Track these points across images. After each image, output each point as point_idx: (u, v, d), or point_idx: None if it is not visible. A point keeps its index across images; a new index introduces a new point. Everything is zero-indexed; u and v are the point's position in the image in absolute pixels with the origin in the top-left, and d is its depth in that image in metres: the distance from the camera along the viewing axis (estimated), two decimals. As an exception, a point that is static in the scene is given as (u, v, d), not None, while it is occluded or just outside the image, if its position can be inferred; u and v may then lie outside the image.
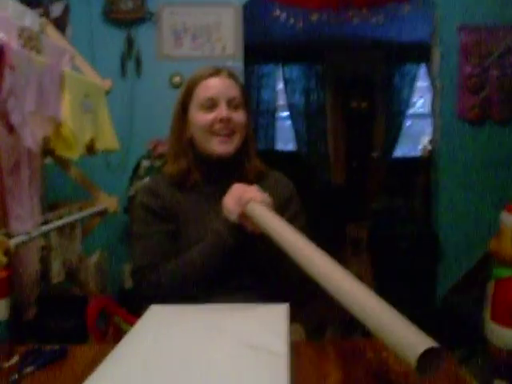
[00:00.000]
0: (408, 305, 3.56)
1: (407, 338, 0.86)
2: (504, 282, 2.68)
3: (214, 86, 1.50)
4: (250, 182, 1.45)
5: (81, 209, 2.66)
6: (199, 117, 1.50)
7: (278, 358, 0.95)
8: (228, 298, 1.36)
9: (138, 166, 3.35)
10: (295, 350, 1.16)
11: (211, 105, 1.48)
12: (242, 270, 1.47)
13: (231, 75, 1.55)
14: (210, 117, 1.48)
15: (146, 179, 3.26)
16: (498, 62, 3.57)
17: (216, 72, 1.53)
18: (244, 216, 1.33)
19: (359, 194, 6.42)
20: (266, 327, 1.09)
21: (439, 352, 0.83)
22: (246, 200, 1.31)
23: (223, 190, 1.42)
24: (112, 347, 1.03)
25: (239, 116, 1.51)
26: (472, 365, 3.01)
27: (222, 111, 1.47)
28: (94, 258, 3.14)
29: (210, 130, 1.48)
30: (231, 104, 1.50)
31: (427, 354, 0.80)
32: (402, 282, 3.70)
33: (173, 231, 1.49)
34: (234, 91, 1.52)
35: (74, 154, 2.24)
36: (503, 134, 3.68)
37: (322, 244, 1.48)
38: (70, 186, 3.06)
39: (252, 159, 1.58)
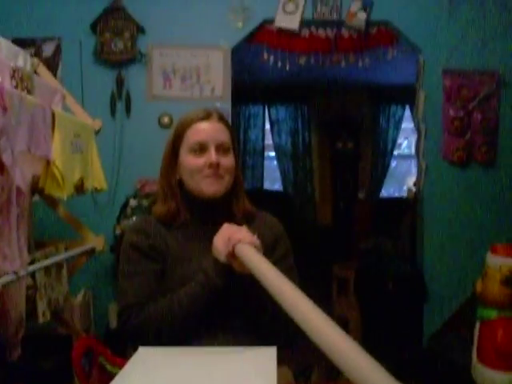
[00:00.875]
0: (395, 345, 3.57)
1: None
2: (489, 323, 2.68)
3: (204, 130, 1.52)
4: (238, 222, 1.46)
5: (67, 248, 2.64)
6: (189, 160, 1.51)
7: (267, 401, 0.95)
8: (216, 339, 1.36)
9: (125, 205, 3.36)
10: (283, 392, 1.16)
11: (201, 149, 1.50)
12: (231, 311, 1.46)
13: (221, 119, 1.57)
14: (199, 161, 1.49)
15: (134, 218, 3.27)
16: (481, 105, 3.65)
17: (206, 116, 1.55)
18: (232, 256, 1.33)
19: (345, 234, 6.44)
20: (254, 371, 1.09)
21: None
22: (235, 241, 1.31)
23: (211, 231, 1.43)
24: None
25: (228, 160, 1.53)
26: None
27: (212, 156, 1.49)
28: (80, 298, 3.12)
29: (200, 174, 1.50)
30: (220, 148, 1.51)
31: None
32: (388, 323, 3.69)
33: (161, 271, 1.49)
34: (223, 136, 1.54)
35: (63, 193, 2.25)
36: (487, 175, 3.74)
37: (309, 284, 1.49)
38: (57, 225, 3.06)
39: (240, 200, 1.59)
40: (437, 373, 3.19)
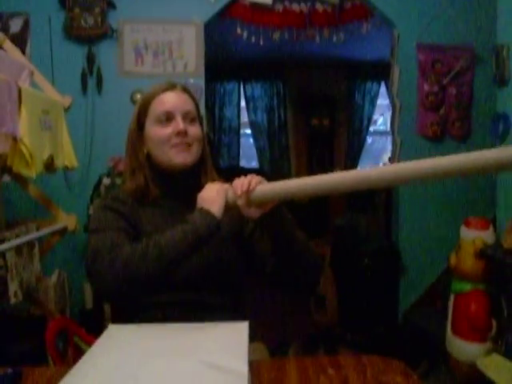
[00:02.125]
0: (371, 319, 3.61)
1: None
2: (462, 296, 2.72)
3: (170, 100, 1.51)
4: None
5: (39, 227, 2.60)
6: (156, 131, 1.49)
7: (238, 377, 0.94)
8: (191, 316, 1.34)
9: (98, 183, 3.31)
10: (256, 368, 1.16)
11: (167, 119, 1.49)
12: (206, 288, 1.46)
13: (185, 90, 1.56)
14: (166, 130, 1.48)
15: (107, 197, 3.22)
16: (455, 80, 3.65)
17: (170, 87, 1.54)
18: (245, 206, 1.34)
19: (322, 210, 6.45)
20: (225, 346, 1.07)
21: None
22: (252, 186, 1.34)
23: (182, 205, 1.43)
24: (70, 368, 1.01)
25: (195, 129, 1.52)
26: (434, 378, 3.04)
27: (179, 124, 1.47)
28: (54, 278, 3.08)
29: (168, 143, 1.48)
30: (187, 117, 1.50)
31: None
32: (364, 298, 3.72)
33: (134, 234, 1.43)
34: (188, 105, 1.53)
35: (32, 171, 2.20)
36: (461, 150, 3.71)
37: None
38: (29, 205, 3.01)
39: (209, 173, 1.58)
40: (412, 345, 3.23)
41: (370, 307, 3.69)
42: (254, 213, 1.35)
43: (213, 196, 1.35)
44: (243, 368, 0.96)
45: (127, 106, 3.47)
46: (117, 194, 1.55)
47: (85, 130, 3.48)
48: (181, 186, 1.53)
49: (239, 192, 1.33)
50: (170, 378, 0.96)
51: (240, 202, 1.34)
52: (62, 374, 0.99)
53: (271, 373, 1.16)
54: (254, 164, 7.36)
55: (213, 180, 1.54)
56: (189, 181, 1.53)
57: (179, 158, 1.48)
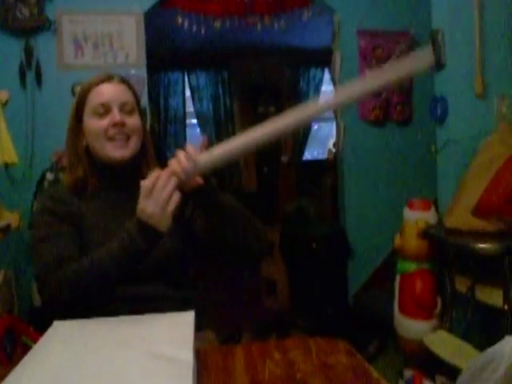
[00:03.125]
0: (322, 304, 3.66)
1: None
2: (408, 276, 2.79)
3: (106, 91, 1.49)
4: None
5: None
6: (93, 123, 1.48)
7: (183, 366, 0.94)
8: (140, 309, 1.34)
9: (42, 179, 3.24)
10: (203, 356, 1.17)
11: (104, 111, 1.47)
12: (155, 279, 1.47)
13: (123, 81, 1.55)
14: (103, 122, 1.46)
15: (51, 192, 3.17)
16: (395, 65, 3.72)
17: (107, 78, 1.52)
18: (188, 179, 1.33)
19: (271, 198, 6.50)
20: (170, 336, 1.08)
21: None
22: (168, 194, 1.28)
23: (123, 197, 1.44)
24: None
25: (133, 120, 1.50)
26: (384, 357, 3.12)
27: (115, 116, 1.46)
28: (0, 277, 3.02)
29: (105, 135, 1.46)
30: (124, 109, 1.49)
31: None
32: (315, 283, 3.78)
33: (77, 234, 1.44)
34: (126, 96, 1.51)
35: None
36: (403, 133, 3.84)
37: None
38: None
39: (150, 163, 1.56)
40: (362, 327, 3.30)
41: (321, 291, 3.76)
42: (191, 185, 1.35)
43: (158, 213, 1.26)
44: (188, 356, 0.97)
45: (68, 99, 3.39)
46: (55, 191, 1.54)
47: (25, 125, 3.38)
48: (121, 177, 1.52)
49: (178, 171, 1.31)
50: (114, 369, 0.96)
51: (183, 178, 1.31)
52: (7, 374, 0.97)
53: (218, 360, 1.17)
54: (202, 154, 7.33)
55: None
56: (129, 172, 1.52)
57: (116, 153, 1.47)
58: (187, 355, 0.97)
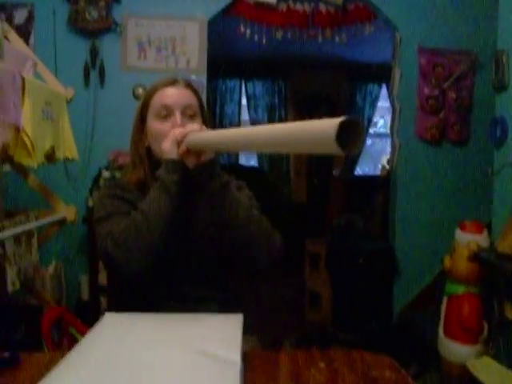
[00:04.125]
0: (365, 320, 3.63)
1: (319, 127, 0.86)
2: (456, 298, 2.75)
3: (170, 94, 1.51)
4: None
5: (38, 217, 2.62)
6: (155, 125, 1.50)
7: (231, 366, 0.96)
8: (186, 308, 1.36)
9: (98, 176, 3.33)
10: (248, 359, 1.18)
11: (166, 113, 1.49)
12: (203, 281, 1.48)
13: (188, 85, 1.56)
14: (165, 126, 1.48)
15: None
16: (455, 84, 3.68)
17: (172, 82, 1.54)
18: (186, 152, 1.36)
19: (319, 210, 6.48)
20: (219, 336, 1.10)
21: (354, 124, 0.84)
22: (183, 134, 1.35)
23: (182, 200, 1.43)
24: (65, 355, 1.03)
25: (195, 125, 1.50)
26: (425, 379, 3.06)
27: (177, 119, 1.47)
28: (51, 269, 3.11)
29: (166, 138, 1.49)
30: (186, 113, 1.50)
31: (345, 130, 0.81)
32: (359, 298, 3.75)
33: None
34: (189, 100, 1.52)
35: (33, 161, 2.22)
36: (459, 154, 3.78)
37: (283, 258, 1.51)
38: (29, 195, 3.03)
39: None
40: (405, 346, 3.25)
41: (364, 307, 3.73)
42: (191, 161, 1.36)
43: (168, 146, 1.38)
44: (236, 357, 0.98)
45: (129, 100, 3.50)
46: (121, 182, 1.57)
47: (86, 123, 3.50)
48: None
49: (174, 139, 1.37)
50: (163, 366, 0.98)
51: (174, 149, 1.37)
52: (57, 361, 1.01)
53: (264, 364, 1.18)
54: (253, 162, 7.38)
55: None
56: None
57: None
58: (235, 356, 0.99)
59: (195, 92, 1.57)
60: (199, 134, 1.35)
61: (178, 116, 1.48)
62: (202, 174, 1.37)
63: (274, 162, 7.11)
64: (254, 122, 7.12)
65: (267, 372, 1.14)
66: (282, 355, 1.25)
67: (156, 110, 1.51)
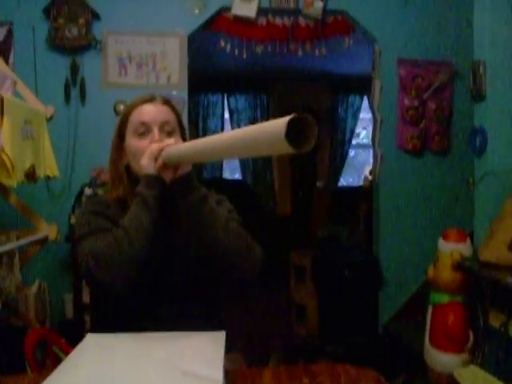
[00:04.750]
0: (351, 331, 3.63)
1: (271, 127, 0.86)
2: (440, 308, 2.76)
3: (148, 112, 1.51)
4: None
5: (19, 237, 2.60)
6: (133, 143, 1.50)
7: (212, 384, 0.95)
8: (167, 326, 1.35)
9: (80, 193, 3.31)
10: (232, 377, 1.17)
11: (145, 131, 1.49)
12: (187, 297, 1.48)
13: (166, 102, 1.56)
14: (143, 143, 1.47)
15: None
16: (435, 95, 3.71)
17: (150, 99, 1.54)
18: (163, 167, 1.36)
19: (304, 222, 6.49)
20: (201, 354, 1.09)
21: (304, 121, 0.84)
22: (159, 149, 1.36)
23: (162, 215, 1.43)
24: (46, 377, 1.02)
25: (171, 140, 1.49)
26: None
27: (155, 136, 1.47)
28: (34, 288, 3.07)
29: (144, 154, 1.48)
30: (164, 129, 1.50)
31: (297, 128, 0.82)
32: (345, 310, 3.75)
33: None
34: (167, 116, 1.52)
35: (13, 180, 2.20)
36: (440, 164, 3.80)
37: (268, 271, 1.50)
38: (10, 214, 3.00)
39: None
40: (391, 357, 3.26)
41: (350, 319, 3.72)
42: (168, 176, 1.37)
43: (146, 162, 1.39)
44: (218, 376, 0.98)
45: (110, 116, 3.48)
46: (102, 199, 1.57)
47: (68, 140, 3.48)
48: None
49: (151, 154, 1.38)
50: (145, 385, 0.98)
51: (151, 164, 1.37)
52: (38, 383, 1.00)
53: (246, 381, 1.18)
54: (237, 176, 7.39)
55: None
56: (168, 193, 1.53)
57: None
58: (217, 375, 0.98)
59: (173, 108, 1.57)
60: (174, 147, 1.35)
61: (156, 132, 1.48)
62: (179, 188, 1.38)
63: (259, 175, 7.11)
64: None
65: (250, 389, 1.14)
66: (265, 372, 1.24)
67: (134, 126, 1.51)
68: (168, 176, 1.37)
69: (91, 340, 1.22)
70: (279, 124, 0.80)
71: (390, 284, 3.83)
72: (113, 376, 1.02)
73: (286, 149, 0.81)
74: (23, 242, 2.63)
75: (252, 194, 6.70)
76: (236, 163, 7.27)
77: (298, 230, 6.22)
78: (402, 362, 3.22)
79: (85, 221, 1.46)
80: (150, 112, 1.51)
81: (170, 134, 1.51)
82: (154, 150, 1.37)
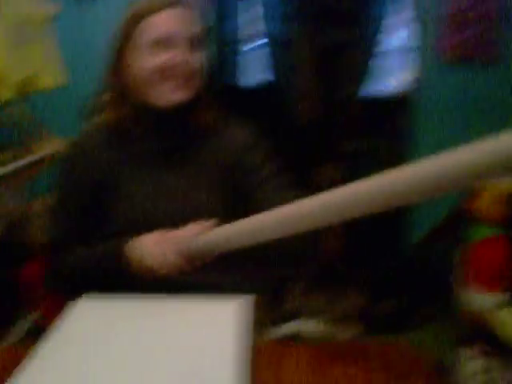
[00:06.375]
0: (376, 255, 3.48)
1: None
2: (484, 242, 2.51)
3: (171, 20, 1.21)
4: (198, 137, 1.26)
5: (25, 154, 2.41)
6: (147, 60, 1.21)
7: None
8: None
9: (89, 104, 3.06)
10: (254, 356, 0.94)
11: (165, 45, 1.20)
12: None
13: (190, 8, 1.26)
14: (162, 59, 1.19)
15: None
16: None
17: (170, 3, 1.22)
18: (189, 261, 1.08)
19: (329, 133, 6.26)
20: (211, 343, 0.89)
21: None
22: (186, 242, 1.06)
23: (165, 155, 1.24)
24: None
25: (198, 58, 1.24)
26: (436, 326, 2.87)
27: (181, 54, 1.20)
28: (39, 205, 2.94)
29: (162, 75, 1.20)
30: (192, 44, 1.22)
31: None
32: (370, 231, 3.59)
33: (100, 201, 1.26)
34: (195, 27, 1.24)
35: (5, 93, 1.97)
36: (487, 74, 3.45)
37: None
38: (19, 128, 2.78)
39: (204, 111, 1.31)
40: (416, 284, 3.12)
41: (376, 241, 3.60)
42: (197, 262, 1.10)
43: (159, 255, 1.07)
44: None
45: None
46: (86, 139, 1.35)
47: (76, 44, 3.17)
48: (166, 126, 1.27)
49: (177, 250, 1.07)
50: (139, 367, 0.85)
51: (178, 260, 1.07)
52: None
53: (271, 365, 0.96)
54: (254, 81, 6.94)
55: (206, 120, 1.31)
56: (176, 120, 1.27)
57: (174, 96, 1.22)
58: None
59: (198, 16, 1.28)
60: (203, 237, 1.05)
61: (182, 48, 1.20)
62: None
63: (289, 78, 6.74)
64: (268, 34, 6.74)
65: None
66: (298, 350, 1.02)
67: (151, 40, 1.20)
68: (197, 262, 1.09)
69: (82, 306, 1.03)
70: None
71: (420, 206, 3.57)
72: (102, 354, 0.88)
73: None
74: (31, 158, 2.45)
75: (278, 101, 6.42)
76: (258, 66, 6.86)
77: (322, 143, 6.00)
78: (429, 291, 3.05)
79: (63, 176, 1.34)
80: (175, 21, 1.21)
81: (196, 49, 1.23)
82: (180, 242, 1.06)
